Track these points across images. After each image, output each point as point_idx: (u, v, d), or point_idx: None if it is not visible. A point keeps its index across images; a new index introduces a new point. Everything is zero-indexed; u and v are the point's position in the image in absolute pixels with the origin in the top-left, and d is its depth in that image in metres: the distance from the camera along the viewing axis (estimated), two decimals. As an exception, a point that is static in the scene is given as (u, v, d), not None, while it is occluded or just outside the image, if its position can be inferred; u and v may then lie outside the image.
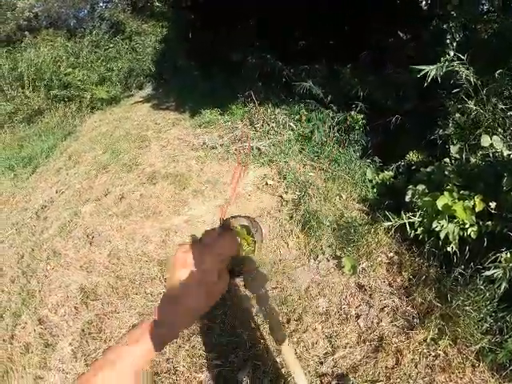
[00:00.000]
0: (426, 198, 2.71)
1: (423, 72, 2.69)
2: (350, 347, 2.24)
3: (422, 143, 3.57)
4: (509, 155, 2.84)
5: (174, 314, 0.65)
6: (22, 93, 8.03)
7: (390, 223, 2.72)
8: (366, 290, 2.59)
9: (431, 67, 2.66)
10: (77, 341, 2.53)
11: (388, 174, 3.64)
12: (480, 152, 2.99)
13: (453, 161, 3.11)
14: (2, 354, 2.57)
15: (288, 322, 2.42)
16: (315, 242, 3.03)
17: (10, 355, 2.55)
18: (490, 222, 2.41)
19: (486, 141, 2.87)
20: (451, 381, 2.02)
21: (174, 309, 0.65)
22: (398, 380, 2.04)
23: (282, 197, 3.72)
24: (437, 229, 2.52)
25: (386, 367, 2.11)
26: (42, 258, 3.41)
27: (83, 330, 2.60)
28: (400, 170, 3.64)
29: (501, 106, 2.98)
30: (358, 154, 4.16)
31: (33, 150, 6.25)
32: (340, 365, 2.14)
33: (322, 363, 2.17)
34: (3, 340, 2.69)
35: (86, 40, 10.79)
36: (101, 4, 13.03)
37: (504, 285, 2.13)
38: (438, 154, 3.33)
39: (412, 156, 3.54)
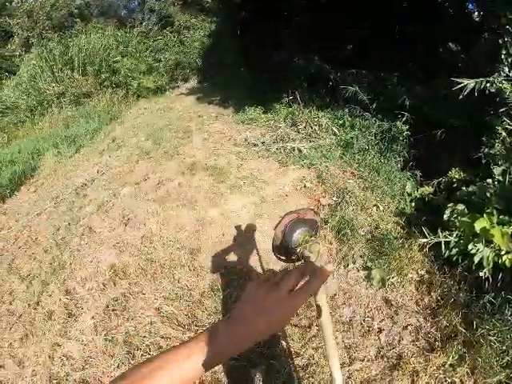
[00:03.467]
0: (465, 219, 2.65)
1: (460, 85, 2.62)
2: (368, 361, 2.23)
3: (465, 161, 3.49)
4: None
5: (244, 335, 0.64)
6: (72, 76, 8.38)
7: (426, 240, 2.68)
8: (392, 305, 2.57)
9: (470, 81, 2.60)
10: (100, 315, 2.64)
11: (428, 189, 3.57)
12: (526, 177, 2.91)
13: (496, 182, 3.03)
14: (25, 318, 2.73)
15: (309, 326, 2.44)
16: (347, 251, 3.02)
17: (33, 320, 2.71)
18: (527, 252, 2.35)
19: (533, 166, 2.78)
20: (462, 411, 1.98)
21: (246, 330, 0.64)
22: (410, 402, 2.02)
23: (319, 201, 3.71)
24: (472, 251, 2.46)
25: (400, 387, 2.10)
26: (77, 233, 3.57)
27: (107, 306, 2.71)
28: (441, 187, 3.56)
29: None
30: (399, 165, 4.10)
31: (78, 130, 6.55)
32: (355, 377, 2.14)
33: (336, 372, 2.19)
34: (28, 305, 2.86)
35: (136, 30, 11.16)
36: (151, -4, 13.26)
37: (532, 319, 2.08)
38: (481, 174, 3.25)
39: (454, 173, 3.46)
